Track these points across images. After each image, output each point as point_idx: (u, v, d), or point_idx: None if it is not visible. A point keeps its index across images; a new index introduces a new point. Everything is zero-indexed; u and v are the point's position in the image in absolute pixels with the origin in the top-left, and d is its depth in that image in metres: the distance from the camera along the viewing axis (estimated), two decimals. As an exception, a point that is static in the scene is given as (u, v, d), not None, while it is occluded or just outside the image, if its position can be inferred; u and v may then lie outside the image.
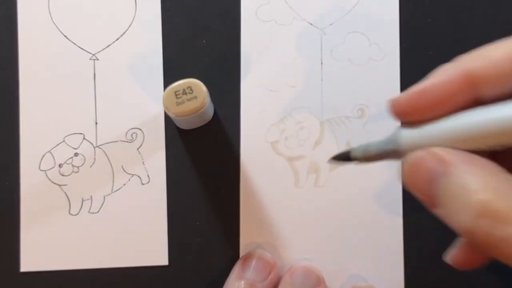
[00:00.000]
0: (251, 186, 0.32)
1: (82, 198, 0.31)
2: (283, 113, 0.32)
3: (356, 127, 0.32)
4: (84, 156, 0.31)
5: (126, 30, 0.32)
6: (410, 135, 0.20)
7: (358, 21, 0.32)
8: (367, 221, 0.32)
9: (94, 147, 0.32)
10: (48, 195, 0.31)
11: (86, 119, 0.32)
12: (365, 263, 0.31)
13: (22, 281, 0.31)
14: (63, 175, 0.31)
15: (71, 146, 0.31)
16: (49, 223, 0.31)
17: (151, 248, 0.31)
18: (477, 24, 0.32)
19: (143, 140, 0.32)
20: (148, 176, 0.32)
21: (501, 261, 0.18)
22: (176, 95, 0.28)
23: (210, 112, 0.31)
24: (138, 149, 0.32)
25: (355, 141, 0.32)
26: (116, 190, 0.31)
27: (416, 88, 0.20)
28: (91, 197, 0.31)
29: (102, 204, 0.31)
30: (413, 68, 0.32)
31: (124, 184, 0.31)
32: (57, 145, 0.31)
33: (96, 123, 0.32)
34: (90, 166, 0.31)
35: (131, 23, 0.32)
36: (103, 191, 0.31)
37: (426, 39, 0.32)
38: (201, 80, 0.28)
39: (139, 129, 0.32)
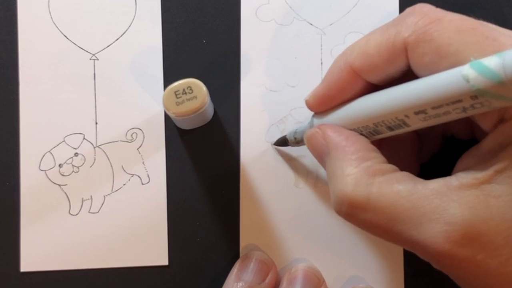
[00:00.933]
0: (251, 186, 0.32)
1: (82, 198, 0.31)
2: (283, 113, 0.32)
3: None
4: (84, 156, 0.31)
5: (126, 30, 0.32)
6: (319, 121, 0.25)
7: (358, 21, 0.32)
8: (367, 221, 0.32)
9: (94, 147, 0.32)
10: (48, 195, 0.31)
11: (86, 119, 0.32)
12: (365, 264, 0.31)
13: (22, 281, 0.31)
14: (63, 175, 0.31)
15: (71, 146, 0.31)
16: (49, 223, 0.31)
17: (151, 248, 0.31)
18: (477, 24, 0.32)
19: (143, 140, 0.32)
20: (148, 176, 0.32)
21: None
22: (176, 95, 0.28)
23: (210, 112, 0.31)
24: (138, 149, 0.32)
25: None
26: (116, 190, 0.31)
27: (317, 90, 0.25)
28: (91, 197, 0.31)
29: (102, 204, 0.31)
30: (413, 68, 0.32)
31: (124, 184, 0.31)
32: (57, 145, 0.31)
33: (96, 123, 0.32)
34: (90, 166, 0.31)
35: (131, 23, 0.32)
36: (103, 191, 0.31)
37: (426, 39, 0.32)
38: (201, 80, 0.28)
39: (139, 129, 0.32)
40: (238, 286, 0.29)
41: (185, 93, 0.28)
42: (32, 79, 0.32)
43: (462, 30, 0.20)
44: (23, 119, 0.31)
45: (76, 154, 0.31)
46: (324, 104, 0.25)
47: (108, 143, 0.32)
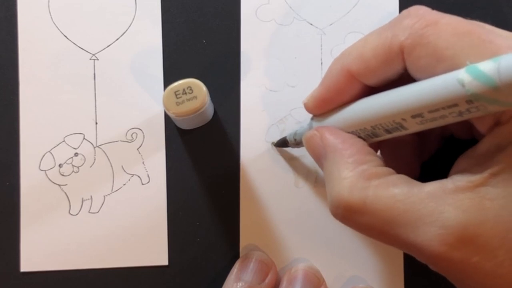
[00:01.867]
0: (251, 186, 0.32)
1: (82, 198, 0.31)
2: (283, 113, 0.32)
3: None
4: (84, 156, 0.31)
5: (126, 30, 0.32)
6: (317, 123, 0.26)
7: (358, 21, 0.32)
8: (367, 221, 0.32)
9: (94, 147, 0.32)
10: (48, 195, 0.31)
11: (86, 119, 0.32)
12: (365, 264, 0.31)
13: (22, 281, 0.31)
14: (63, 175, 0.31)
15: (71, 146, 0.31)
16: (49, 223, 0.31)
17: (151, 248, 0.31)
18: (477, 24, 0.32)
19: (143, 140, 0.32)
20: (148, 176, 0.32)
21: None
22: (176, 95, 0.28)
23: (210, 112, 0.31)
24: (138, 149, 0.32)
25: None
26: (116, 190, 0.31)
27: (315, 92, 0.25)
28: (91, 197, 0.31)
29: (102, 204, 0.31)
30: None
31: (124, 184, 0.31)
32: (57, 145, 0.31)
33: (96, 123, 0.32)
34: (90, 166, 0.31)
35: (131, 23, 0.32)
36: (103, 191, 0.31)
37: (426, 39, 0.32)
38: (201, 80, 0.28)
39: (139, 129, 0.32)
40: (238, 286, 0.29)
41: (185, 93, 0.28)
42: (32, 79, 0.32)
43: (458, 33, 0.20)
44: (23, 119, 0.31)
45: (76, 154, 0.31)
46: (322, 106, 0.25)
47: (108, 143, 0.32)
